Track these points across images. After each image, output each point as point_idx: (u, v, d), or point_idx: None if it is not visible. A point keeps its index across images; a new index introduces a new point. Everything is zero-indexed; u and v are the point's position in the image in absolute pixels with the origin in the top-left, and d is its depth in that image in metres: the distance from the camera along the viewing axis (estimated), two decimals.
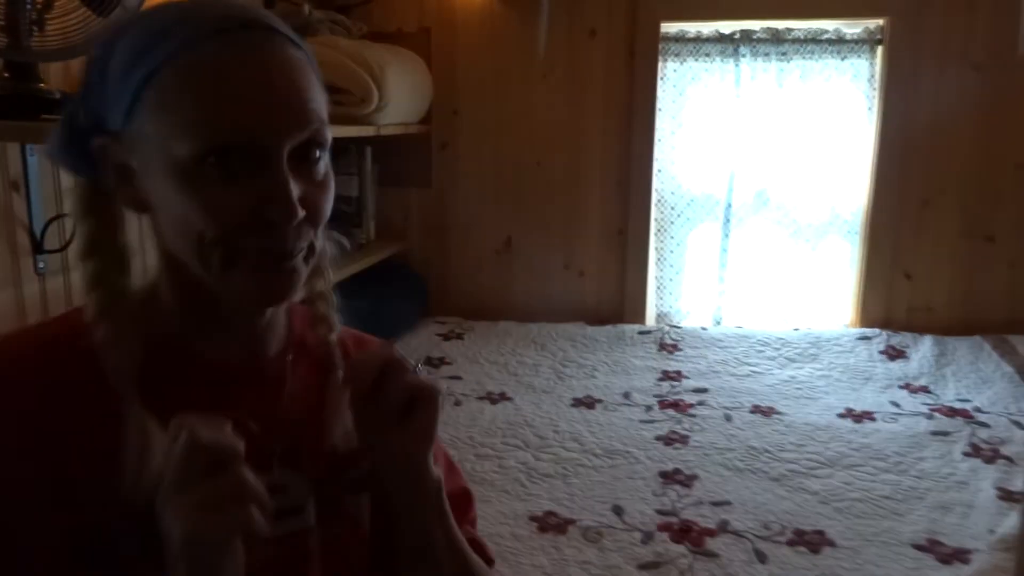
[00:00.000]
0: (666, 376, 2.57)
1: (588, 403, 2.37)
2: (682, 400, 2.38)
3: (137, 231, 0.72)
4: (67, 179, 1.65)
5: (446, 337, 2.86)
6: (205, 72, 0.60)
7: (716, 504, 1.80)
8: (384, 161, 2.99)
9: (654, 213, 3.04)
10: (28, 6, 1.28)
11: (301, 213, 0.63)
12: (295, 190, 0.62)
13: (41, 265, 1.68)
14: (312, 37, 2.57)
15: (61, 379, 0.65)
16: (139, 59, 0.61)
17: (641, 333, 2.91)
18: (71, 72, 1.71)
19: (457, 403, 2.35)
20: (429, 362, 2.65)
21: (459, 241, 3.13)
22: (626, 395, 2.43)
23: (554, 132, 3.00)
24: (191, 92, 0.60)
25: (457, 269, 3.15)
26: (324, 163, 0.67)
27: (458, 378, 2.53)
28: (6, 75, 1.33)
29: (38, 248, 1.67)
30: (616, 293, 3.09)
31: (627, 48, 2.91)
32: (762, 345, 2.78)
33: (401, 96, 2.59)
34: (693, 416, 2.27)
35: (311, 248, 0.67)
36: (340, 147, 2.71)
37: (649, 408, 2.33)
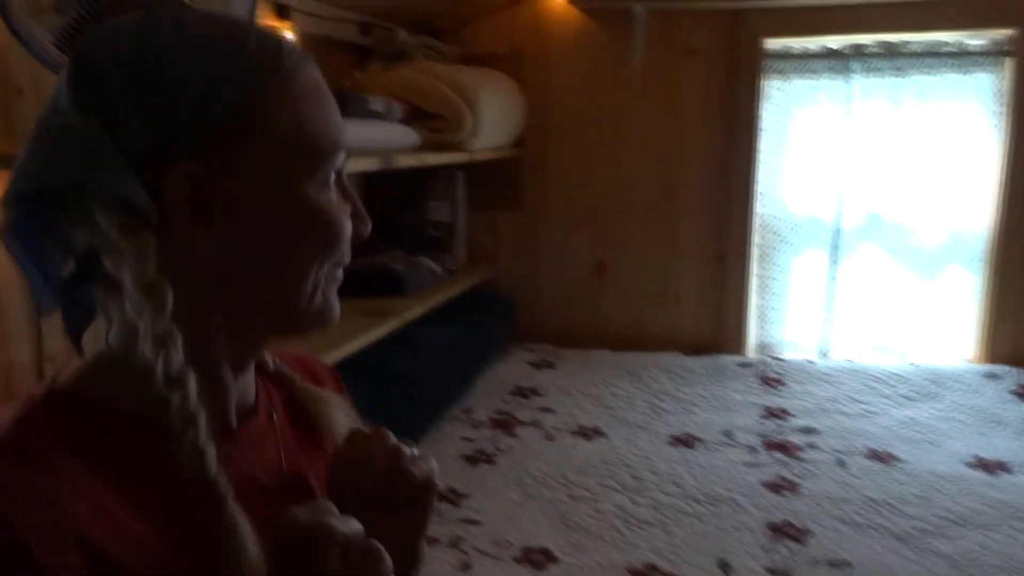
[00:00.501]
0: (770, 413, 2.42)
1: (687, 441, 2.24)
2: (789, 441, 2.23)
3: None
4: None
5: (537, 366, 2.79)
6: (314, 89, 0.60)
7: (834, 565, 1.66)
8: (474, 183, 2.95)
9: (756, 238, 2.89)
10: None
11: None
12: None
13: None
14: (406, 62, 2.56)
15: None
16: (234, 73, 0.55)
17: (741, 365, 2.76)
18: None
19: (549, 438, 2.27)
20: (520, 392, 2.58)
21: (550, 265, 3.06)
22: (727, 434, 2.29)
23: (649, 153, 2.90)
24: (307, 108, 0.59)
25: (548, 294, 3.08)
26: None
27: (550, 410, 2.45)
28: None
29: None
30: (714, 321, 2.95)
31: (727, 66, 2.79)
32: (875, 381, 2.59)
33: (494, 120, 2.55)
34: (802, 460, 2.12)
35: None
36: (432, 172, 2.68)
37: (753, 449, 2.19)
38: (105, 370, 0.59)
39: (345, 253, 0.64)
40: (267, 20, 2.03)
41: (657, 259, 2.97)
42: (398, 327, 2.19)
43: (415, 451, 0.65)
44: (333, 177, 0.62)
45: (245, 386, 0.66)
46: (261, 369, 0.71)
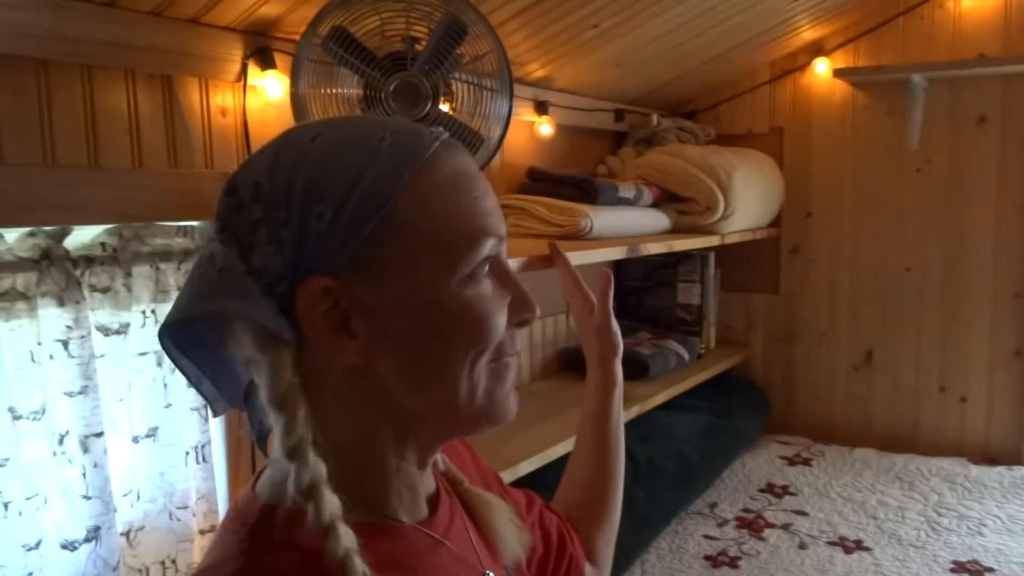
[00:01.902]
0: None
1: (974, 571, 1.92)
2: None
3: None
4: None
5: (791, 462, 2.58)
6: (454, 181, 0.58)
7: None
8: (727, 265, 2.86)
9: None
10: None
11: None
12: None
13: None
14: (659, 146, 2.58)
15: None
16: (369, 179, 0.54)
17: None
18: None
19: (802, 546, 2.07)
20: (770, 490, 2.40)
21: (809, 353, 2.84)
22: None
23: (930, 234, 2.61)
24: (450, 202, 0.57)
25: (806, 383, 2.86)
26: None
27: (803, 513, 2.25)
28: None
29: None
30: (1013, 428, 2.54)
31: None
32: None
33: (748, 201, 2.46)
34: None
35: None
36: (682, 254, 2.65)
37: None
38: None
39: (506, 344, 0.61)
40: (527, 116, 2.17)
41: (938, 352, 2.64)
42: (641, 413, 2.16)
43: None
44: (485, 267, 0.58)
45: (429, 479, 0.67)
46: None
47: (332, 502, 0.53)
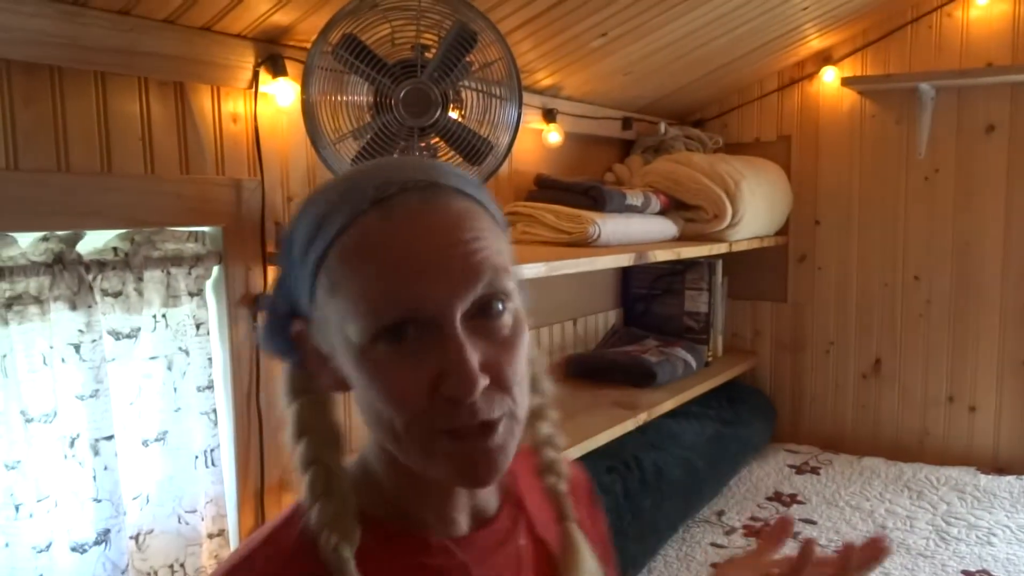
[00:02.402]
0: None
1: None
2: None
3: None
4: None
5: (799, 470, 2.58)
6: (361, 250, 0.56)
7: None
8: (735, 273, 2.86)
9: None
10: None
11: (483, 382, 0.55)
12: (475, 356, 0.55)
13: None
14: (667, 154, 2.59)
15: None
16: (311, 244, 0.58)
17: None
18: None
19: None
20: (778, 498, 2.39)
21: (817, 361, 2.84)
22: None
23: (938, 243, 2.61)
24: (351, 273, 0.56)
25: (814, 392, 2.85)
26: (509, 315, 0.59)
27: (811, 522, 2.24)
28: None
29: None
30: (1022, 437, 2.53)
31: None
32: None
33: (756, 209, 2.47)
34: None
35: (512, 416, 0.58)
36: (690, 261, 2.65)
37: None
38: None
39: (441, 417, 0.56)
40: (535, 123, 2.18)
41: (947, 361, 2.63)
42: (648, 420, 2.16)
43: None
44: (384, 338, 0.56)
45: (481, 496, 0.67)
46: (521, 494, 0.71)
47: (318, 482, 0.61)
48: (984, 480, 2.42)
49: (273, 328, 0.64)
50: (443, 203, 0.57)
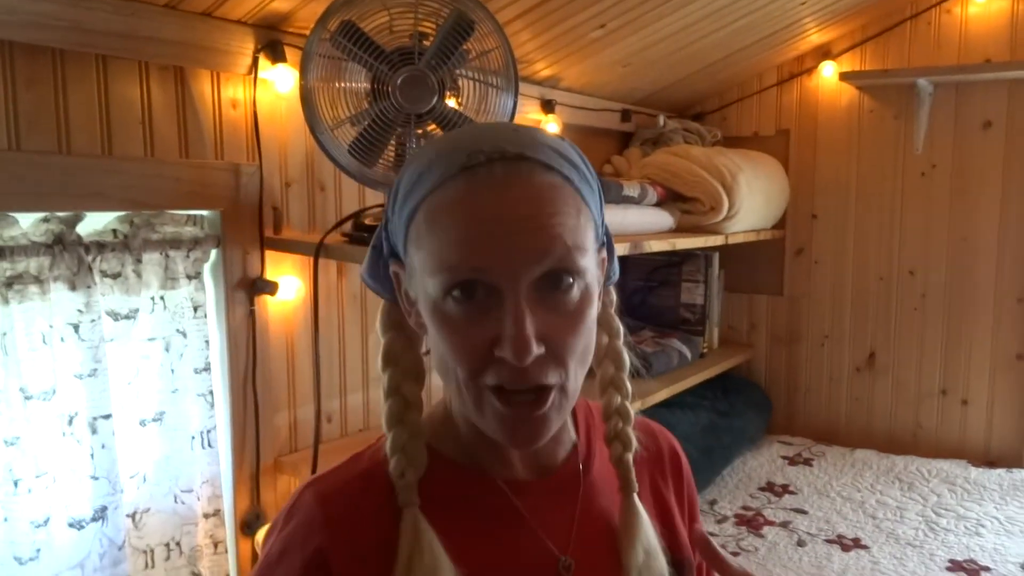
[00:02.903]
0: None
1: (971, 570, 1.93)
2: None
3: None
4: None
5: (792, 461, 2.60)
6: (445, 212, 0.60)
7: None
8: (731, 266, 2.88)
9: None
10: (413, 146, 1.45)
11: (537, 350, 0.58)
12: (534, 325, 0.58)
13: None
14: (665, 146, 2.60)
15: (369, 518, 0.67)
16: (408, 198, 0.63)
17: None
18: None
19: (800, 543, 2.08)
20: (771, 488, 2.42)
21: (812, 354, 2.86)
22: None
23: (933, 238, 2.63)
24: (435, 231, 0.60)
25: (808, 384, 2.87)
26: (577, 291, 0.61)
27: (803, 512, 2.26)
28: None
29: None
30: (1014, 431, 2.55)
31: None
32: None
33: (753, 203, 2.48)
34: None
35: (563, 390, 0.62)
36: (687, 253, 2.67)
37: None
38: None
39: (495, 376, 0.60)
40: (534, 114, 2.19)
41: (940, 355, 2.65)
42: (642, 410, 2.18)
43: None
44: (453, 293, 0.60)
45: (544, 450, 0.71)
46: (593, 453, 0.75)
47: (395, 411, 0.68)
48: (975, 473, 2.44)
49: (375, 266, 0.71)
50: (526, 177, 0.60)
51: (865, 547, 2.06)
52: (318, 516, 0.66)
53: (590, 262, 0.62)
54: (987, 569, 1.93)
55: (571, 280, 0.60)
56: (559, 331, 0.60)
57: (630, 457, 0.74)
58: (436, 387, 0.68)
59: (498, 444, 0.66)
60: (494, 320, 0.59)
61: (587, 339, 0.63)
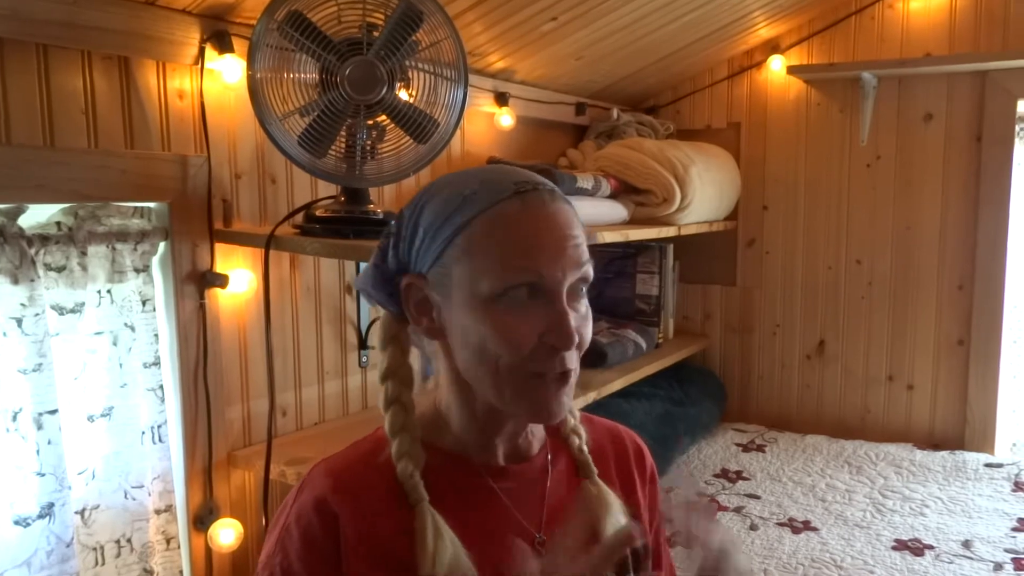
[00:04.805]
0: (1023, 526, 2.10)
1: (915, 548, 2.00)
2: None
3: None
4: None
5: (745, 448, 2.65)
6: (507, 224, 0.73)
7: None
8: (686, 258, 2.92)
9: (1007, 322, 2.56)
10: (364, 137, 1.45)
11: (576, 339, 0.74)
12: (572, 320, 0.73)
13: (364, 359, 1.87)
14: (619, 139, 2.63)
15: (371, 489, 0.78)
16: (452, 215, 0.75)
17: (989, 466, 2.43)
18: (401, 193, 1.91)
19: (752, 527, 2.13)
20: (725, 475, 2.46)
21: (764, 343, 2.92)
22: (966, 544, 2.01)
23: (878, 227, 2.70)
24: (496, 240, 0.73)
25: (761, 373, 2.93)
26: (586, 296, 0.78)
27: (756, 497, 2.31)
28: (342, 199, 1.52)
29: (363, 344, 1.86)
30: (955, 414, 2.63)
31: (971, 132, 2.54)
32: None
33: (705, 194, 2.52)
34: None
35: (577, 372, 0.77)
36: (641, 245, 2.70)
37: (999, 567, 1.90)
38: None
39: (536, 361, 0.73)
40: (488, 107, 2.20)
41: (887, 341, 2.73)
42: (598, 399, 2.21)
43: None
44: (511, 293, 0.73)
45: (523, 438, 0.85)
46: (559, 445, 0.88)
47: (397, 420, 0.79)
48: (920, 455, 2.52)
49: (379, 282, 0.81)
50: (561, 205, 0.76)
51: (815, 529, 2.11)
52: (329, 485, 0.77)
53: (592, 275, 0.78)
54: (931, 548, 2.00)
55: (584, 288, 0.77)
56: (581, 326, 0.76)
57: (586, 447, 0.88)
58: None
59: (485, 434, 0.81)
60: (540, 316, 0.73)
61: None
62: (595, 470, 0.87)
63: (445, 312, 0.77)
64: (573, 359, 0.76)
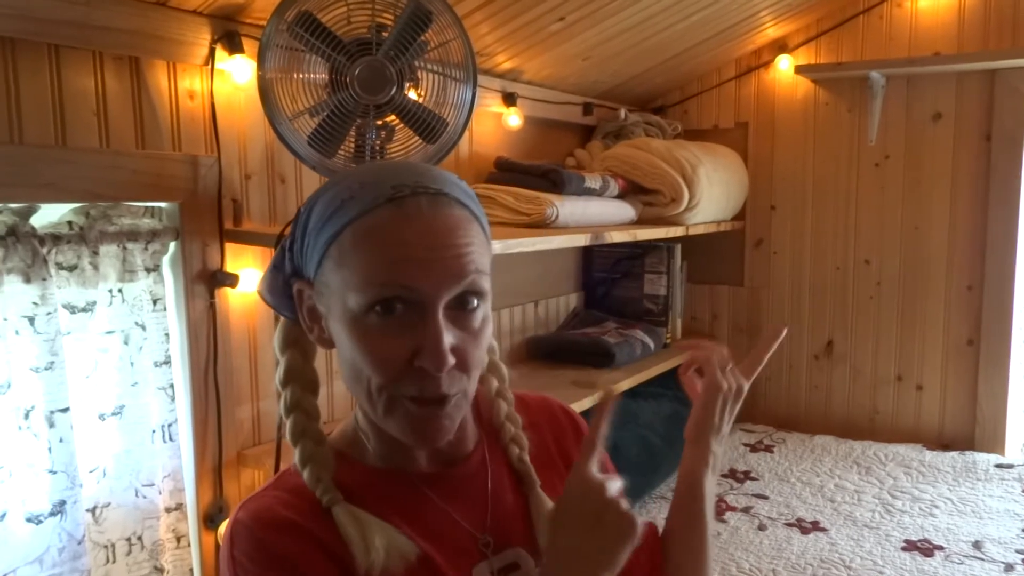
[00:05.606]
0: None
1: (925, 549, 1.99)
2: None
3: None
4: None
5: (753, 448, 2.65)
6: (374, 235, 0.67)
7: None
8: (693, 257, 2.92)
9: (1018, 322, 2.55)
10: (373, 137, 1.46)
11: (451, 362, 0.66)
12: (448, 339, 0.67)
13: None
14: (627, 139, 2.63)
15: (308, 510, 0.72)
16: (328, 221, 0.69)
17: (999, 467, 2.42)
18: None
19: (761, 527, 2.13)
20: (733, 475, 2.46)
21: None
22: (976, 545, 2.00)
23: (887, 227, 2.69)
24: (362, 252, 0.67)
25: (769, 373, 2.92)
26: (481, 311, 0.71)
27: (764, 497, 2.31)
28: None
29: None
30: (965, 414, 2.62)
31: (981, 131, 2.53)
32: None
33: (713, 194, 2.52)
34: None
35: (464, 394, 0.71)
36: (649, 245, 2.70)
37: (1011, 568, 1.89)
38: None
39: (407, 384, 0.67)
40: (495, 107, 2.20)
41: (895, 341, 2.72)
42: None
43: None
44: (376, 308, 0.66)
45: (450, 444, 0.76)
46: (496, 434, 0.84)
47: (297, 425, 0.75)
48: (929, 456, 2.51)
49: (276, 285, 0.77)
50: (445, 210, 0.69)
51: (824, 529, 2.11)
52: (256, 528, 0.69)
53: (488, 285, 0.71)
54: (940, 548, 1.99)
55: (476, 301, 0.70)
56: (465, 346, 0.69)
57: (527, 456, 0.83)
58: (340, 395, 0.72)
59: (401, 445, 0.74)
60: (413, 334, 0.67)
61: (485, 351, 0.73)
62: (537, 480, 0.82)
63: (329, 323, 0.72)
64: (454, 382, 0.68)
